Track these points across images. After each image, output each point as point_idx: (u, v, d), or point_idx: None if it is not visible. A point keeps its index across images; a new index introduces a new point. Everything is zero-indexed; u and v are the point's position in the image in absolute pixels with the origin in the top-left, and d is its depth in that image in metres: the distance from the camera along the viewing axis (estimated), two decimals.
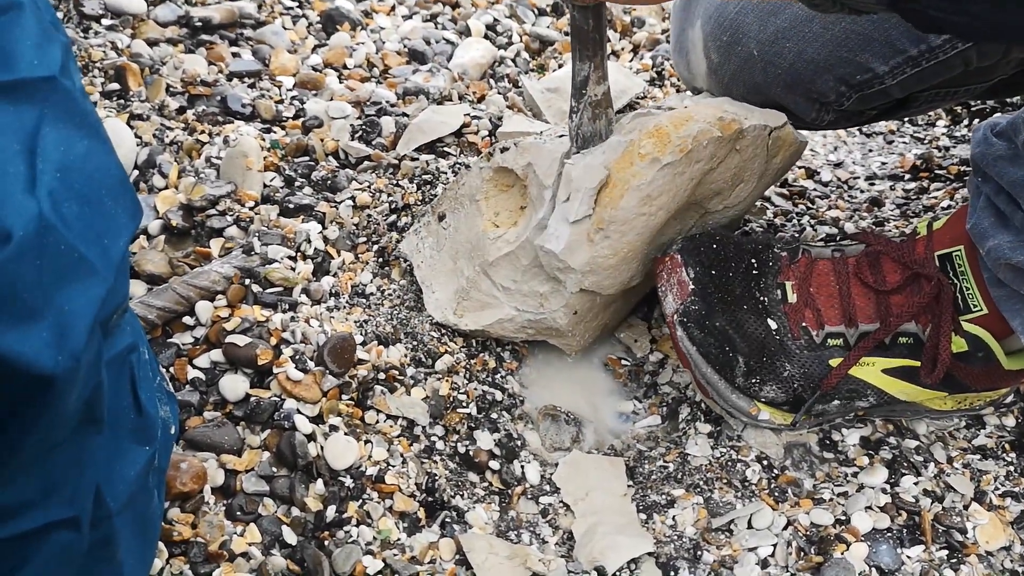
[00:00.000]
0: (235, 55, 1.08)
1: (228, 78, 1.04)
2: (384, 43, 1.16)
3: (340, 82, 1.08)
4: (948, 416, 0.87)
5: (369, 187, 0.93)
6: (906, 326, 0.79)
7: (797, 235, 1.03)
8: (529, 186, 0.81)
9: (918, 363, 0.79)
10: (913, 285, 0.79)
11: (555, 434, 0.83)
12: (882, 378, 0.80)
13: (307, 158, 0.96)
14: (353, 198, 0.91)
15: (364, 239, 0.90)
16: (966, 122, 1.28)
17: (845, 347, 0.79)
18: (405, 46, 1.16)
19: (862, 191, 1.13)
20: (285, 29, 1.14)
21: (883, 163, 1.19)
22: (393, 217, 0.91)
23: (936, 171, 1.16)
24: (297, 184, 0.93)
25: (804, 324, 0.80)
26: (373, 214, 0.91)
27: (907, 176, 1.16)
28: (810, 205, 1.09)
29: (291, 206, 0.90)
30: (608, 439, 0.85)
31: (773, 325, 0.79)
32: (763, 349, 0.79)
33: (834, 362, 0.79)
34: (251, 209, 0.88)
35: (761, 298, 0.80)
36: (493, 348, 0.87)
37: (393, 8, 1.23)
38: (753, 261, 0.82)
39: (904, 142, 1.24)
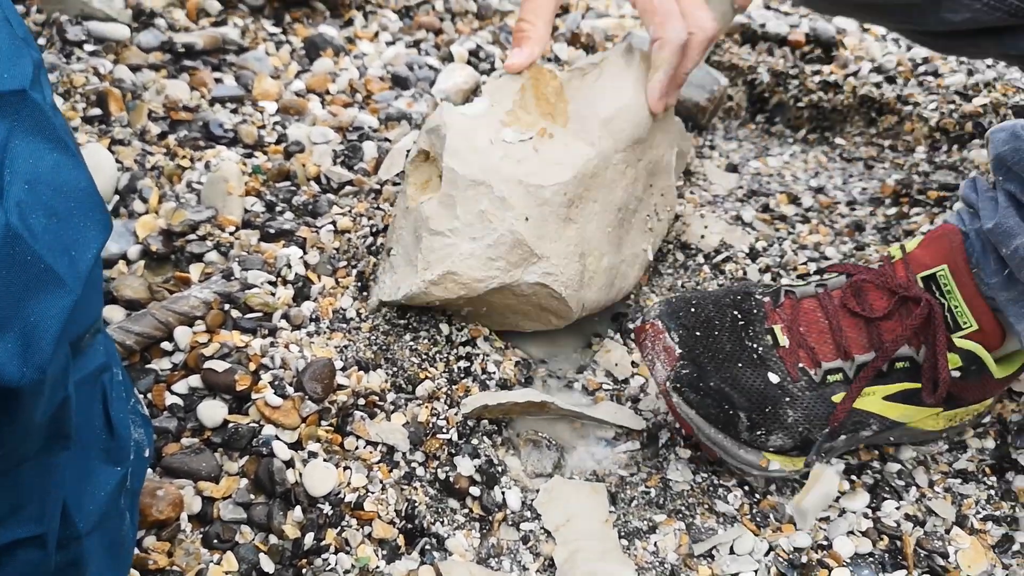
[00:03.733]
0: (218, 80, 1.08)
1: (210, 103, 1.05)
2: (367, 69, 1.17)
3: (323, 107, 1.09)
4: (935, 438, 0.87)
5: (350, 211, 0.93)
6: (901, 350, 0.79)
7: (780, 258, 1.03)
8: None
9: (917, 385, 0.79)
10: (902, 309, 0.79)
11: (537, 460, 0.83)
12: (884, 405, 0.80)
13: (288, 183, 0.96)
14: (334, 223, 0.91)
15: (344, 263, 0.90)
16: (945, 148, 1.29)
17: (845, 381, 0.79)
18: (388, 72, 1.16)
19: (843, 216, 1.14)
20: (268, 55, 1.14)
21: (864, 188, 1.20)
22: (372, 240, 0.91)
23: (916, 196, 1.17)
24: (278, 209, 0.93)
25: (801, 365, 0.79)
26: (353, 238, 0.91)
27: (887, 201, 1.17)
28: (791, 230, 1.09)
29: (272, 231, 0.89)
30: (590, 465, 0.84)
31: (772, 376, 0.79)
32: (764, 400, 0.78)
33: (837, 398, 0.79)
34: (231, 234, 0.88)
35: (753, 347, 0.79)
36: (477, 375, 0.87)
37: (376, 34, 1.24)
38: (736, 313, 0.81)
39: (884, 168, 1.26)
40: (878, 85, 1.36)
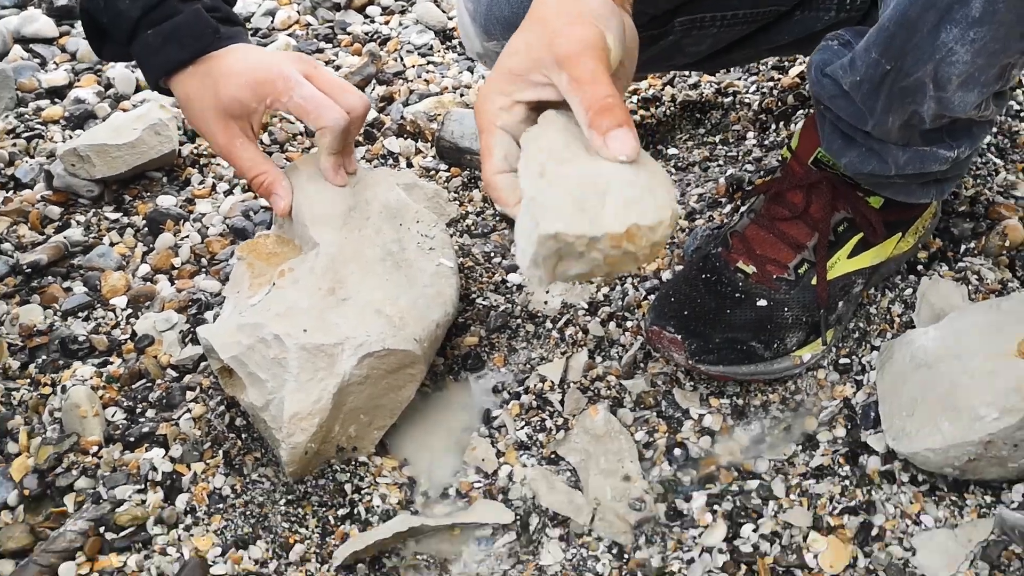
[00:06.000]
0: (67, 290, 1.14)
1: (63, 317, 1.11)
2: (208, 229, 1.22)
3: (171, 284, 1.14)
4: (915, 253, 1.05)
5: (202, 392, 0.99)
6: (833, 219, 0.96)
7: (622, 300, 1.08)
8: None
9: (862, 233, 0.97)
10: (814, 193, 0.96)
11: None
12: (851, 262, 0.97)
13: (144, 380, 1.02)
14: (189, 410, 0.97)
15: (209, 444, 0.96)
16: (773, 127, 1.33)
17: (811, 264, 0.96)
18: (228, 227, 1.22)
19: (683, 231, 1.18)
20: (112, 245, 1.20)
21: (700, 195, 1.24)
22: (229, 417, 0.97)
23: (746, 188, 1.21)
24: (139, 411, 0.99)
25: (774, 276, 0.96)
26: (211, 419, 0.97)
27: (723, 200, 1.21)
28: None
29: (132, 439, 0.95)
30: (473, 569, 0.90)
31: (760, 301, 0.95)
32: (762, 320, 0.94)
33: (813, 281, 0.96)
34: (95, 455, 0.94)
35: (731, 290, 0.95)
36: (359, 516, 0.92)
37: (214, 187, 1.29)
38: (705, 276, 0.97)
39: (720, 165, 1.29)
40: (695, 86, 1.40)
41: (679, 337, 0.93)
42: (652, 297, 1.08)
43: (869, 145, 0.88)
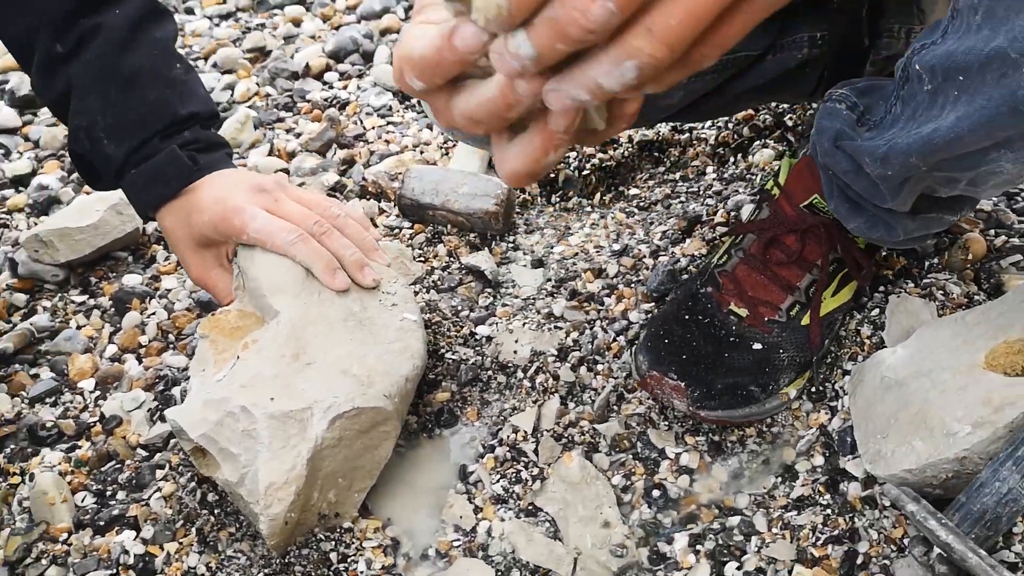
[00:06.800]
0: (35, 376, 1.13)
1: (31, 404, 1.09)
2: (174, 304, 1.21)
3: (139, 363, 1.13)
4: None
5: (172, 470, 0.98)
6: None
7: (591, 343, 1.07)
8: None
9: (844, 270, 0.99)
10: (808, 237, 0.98)
11: None
12: (835, 299, 0.98)
13: (113, 462, 1.00)
14: (159, 488, 0.96)
15: (182, 522, 0.94)
16: (731, 160, 1.34)
17: (803, 304, 0.97)
18: (194, 300, 1.21)
19: (648, 268, 1.18)
20: (79, 328, 1.19)
21: (663, 232, 1.24)
22: (201, 493, 0.95)
23: (703, 220, 1.21)
24: (108, 493, 0.97)
25: (767, 319, 0.96)
26: (183, 496, 0.95)
27: (686, 239, 1.21)
28: (600, 307, 1.13)
29: (102, 523, 0.94)
30: None
31: (755, 344, 0.95)
32: (759, 364, 0.94)
33: (804, 321, 0.97)
34: (64, 542, 0.92)
35: (725, 334, 0.96)
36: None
37: (179, 263, 1.29)
38: (698, 318, 0.97)
39: (681, 201, 1.30)
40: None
41: (683, 384, 0.92)
42: (622, 338, 1.07)
43: (879, 215, 0.89)
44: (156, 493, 0.96)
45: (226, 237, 0.98)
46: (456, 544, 0.94)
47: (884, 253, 1.07)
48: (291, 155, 1.46)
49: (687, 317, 0.98)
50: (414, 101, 1.57)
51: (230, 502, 0.94)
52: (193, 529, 0.94)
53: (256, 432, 0.87)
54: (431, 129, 1.50)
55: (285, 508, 0.86)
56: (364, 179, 1.37)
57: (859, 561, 0.84)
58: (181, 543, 0.93)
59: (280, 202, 0.99)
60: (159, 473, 0.98)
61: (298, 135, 1.50)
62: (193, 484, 0.96)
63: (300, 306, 0.95)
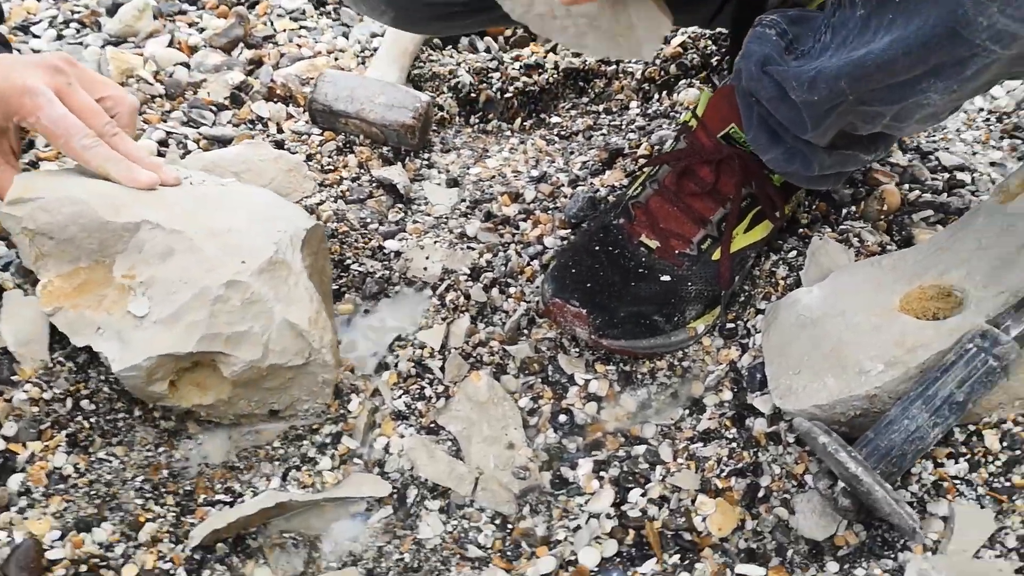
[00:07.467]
0: None
1: None
2: None
3: None
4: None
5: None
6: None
7: (505, 266, 1.03)
8: None
9: (758, 207, 0.96)
10: (723, 168, 0.94)
11: (286, 562, 0.82)
12: (747, 236, 0.96)
13: None
14: (26, 391, 0.87)
15: (49, 424, 0.86)
16: (656, 96, 1.31)
17: (714, 239, 0.94)
18: None
19: (567, 197, 1.14)
20: None
21: (584, 163, 1.20)
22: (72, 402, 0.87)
23: (624, 152, 1.18)
24: None
25: (677, 252, 0.94)
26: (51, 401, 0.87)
27: (606, 170, 1.18)
28: (515, 231, 1.09)
29: None
30: (346, 546, 0.83)
31: (663, 276, 0.93)
32: (666, 295, 0.93)
33: (715, 256, 0.94)
34: None
35: (634, 265, 0.93)
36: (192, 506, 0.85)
37: None
38: (608, 249, 0.95)
39: (603, 134, 1.27)
40: (577, 53, 1.37)
41: (584, 311, 0.90)
42: (536, 262, 1.04)
43: (797, 147, 0.87)
44: (23, 395, 0.87)
45: (9, 119, 0.85)
46: (356, 463, 0.89)
47: (806, 200, 1.06)
48: (193, 49, 1.35)
49: (597, 248, 0.95)
50: (330, 7, 1.48)
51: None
52: (63, 432, 0.86)
53: (257, 294, 0.81)
54: (347, 37, 1.42)
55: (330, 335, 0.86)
56: (272, 81, 1.28)
57: (761, 494, 0.84)
58: (48, 445, 0.85)
59: (73, 88, 0.86)
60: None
61: (201, 30, 1.40)
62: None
63: (154, 209, 0.84)
